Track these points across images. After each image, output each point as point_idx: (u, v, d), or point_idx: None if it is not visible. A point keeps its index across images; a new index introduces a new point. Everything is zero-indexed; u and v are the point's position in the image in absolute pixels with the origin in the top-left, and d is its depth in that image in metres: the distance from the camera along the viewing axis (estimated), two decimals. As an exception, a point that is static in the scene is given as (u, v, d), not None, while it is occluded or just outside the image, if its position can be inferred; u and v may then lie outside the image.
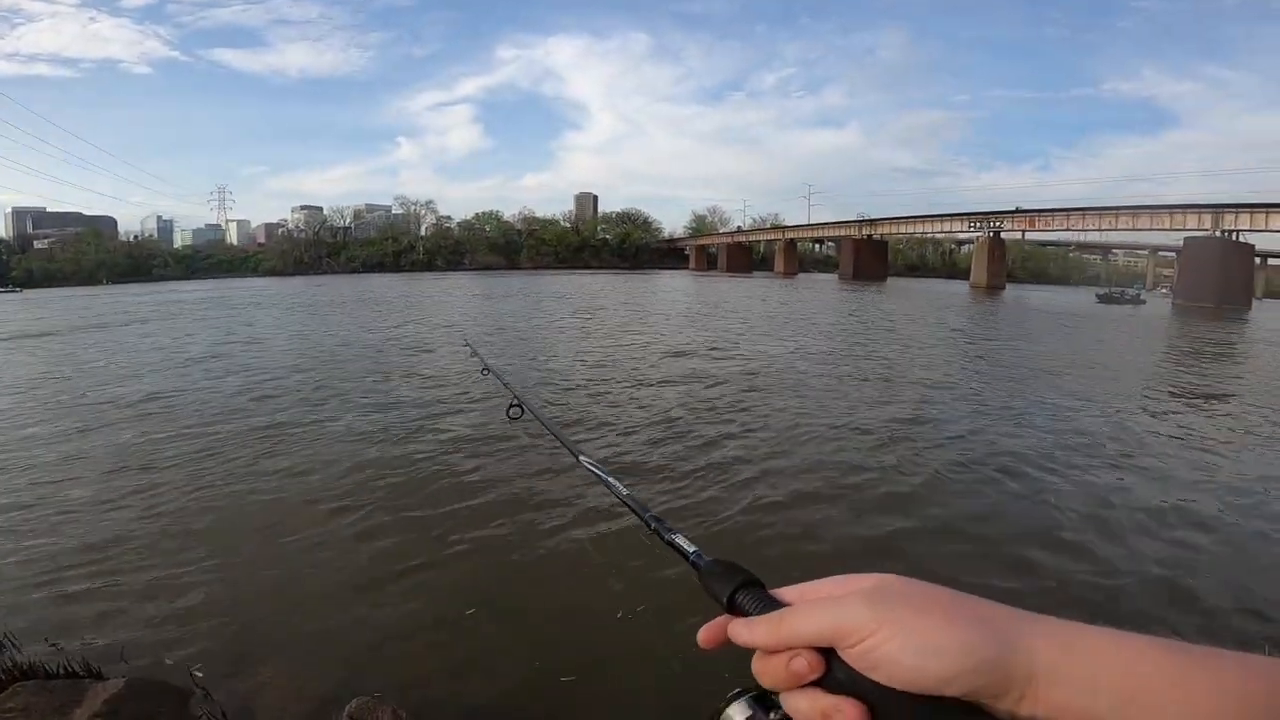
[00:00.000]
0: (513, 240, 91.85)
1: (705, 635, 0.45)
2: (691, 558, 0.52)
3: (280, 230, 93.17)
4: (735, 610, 0.45)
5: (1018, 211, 57.93)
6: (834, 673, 0.40)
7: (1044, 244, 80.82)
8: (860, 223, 72.41)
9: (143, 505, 5.57)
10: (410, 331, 19.31)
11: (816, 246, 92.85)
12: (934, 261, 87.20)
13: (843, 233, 75.20)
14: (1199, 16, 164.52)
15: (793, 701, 0.41)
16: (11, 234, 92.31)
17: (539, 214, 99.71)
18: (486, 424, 8.03)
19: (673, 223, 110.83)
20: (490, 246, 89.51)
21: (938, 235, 74.13)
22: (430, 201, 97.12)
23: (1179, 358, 17.58)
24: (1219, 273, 43.54)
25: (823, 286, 52.51)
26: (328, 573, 4.49)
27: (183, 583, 4.23)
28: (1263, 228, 43.74)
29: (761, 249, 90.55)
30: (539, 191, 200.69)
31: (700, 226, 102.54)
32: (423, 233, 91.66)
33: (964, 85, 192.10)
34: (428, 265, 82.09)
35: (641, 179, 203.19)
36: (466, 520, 5.32)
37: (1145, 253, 78.72)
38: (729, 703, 0.44)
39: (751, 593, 0.46)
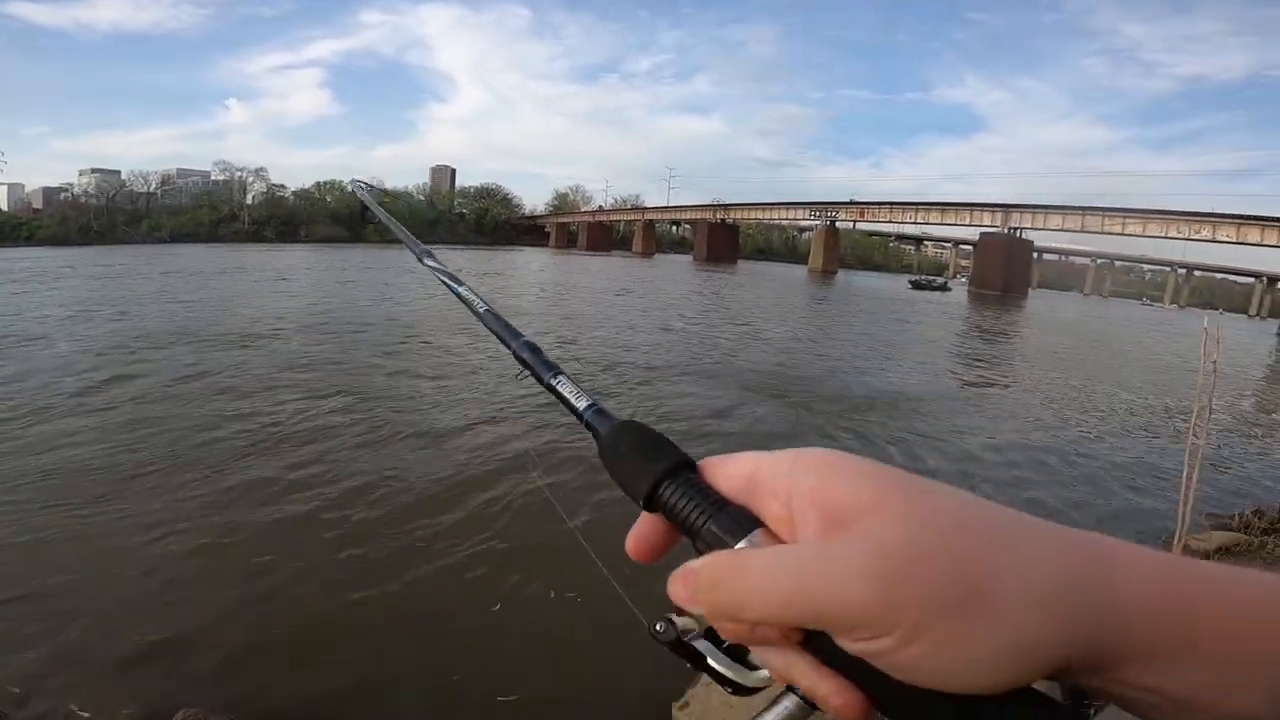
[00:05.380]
0: (358, 212, 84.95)
1: (635, 546, 0.33)
2: (585, 416, 0.37)
3: (63, 195, 78.40)
4: (656, 508, 0.32)
5: (851, 203, 63.67)
6: (819, 644, 0.27)
7: (871, 234, 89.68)
8: (715, 207, 75.62)
9: None
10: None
11: (674, 228, 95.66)
12: (779, 247, 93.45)
13: (699, 216, 78.12)
14: (1022, 30, 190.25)
15: (763, 655, 0.29)
16: None
17: (391, 185, 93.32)
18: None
19: (535, 199, 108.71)
20: (332, 218, 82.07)
21: (783, 222, 79.62)
22: (261, 169, 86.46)
23: (967, 334, 21.01)
24: (1004, 265, 51.19)
25: (680, 266, 54.63)
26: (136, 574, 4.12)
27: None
28: (1042, 226, 51.78)
29: (622, 228, 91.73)
30: (394, 163, 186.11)
31: (562, 204, 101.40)
32: (249, 201, 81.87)
33: (820, 83, 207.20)
34: (255, 236, 73.39)
35: (506, 155, 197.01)
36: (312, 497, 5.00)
37: (949, 246, 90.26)
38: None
39: (684, 485, 0.31)
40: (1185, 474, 4.04)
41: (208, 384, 8.91)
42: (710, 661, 0.30)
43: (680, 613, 0.30)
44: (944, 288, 54.07)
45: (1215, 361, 4.19)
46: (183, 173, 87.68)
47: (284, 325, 14.24)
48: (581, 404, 0.38)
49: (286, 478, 5.82)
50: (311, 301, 19.30)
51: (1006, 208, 52.50)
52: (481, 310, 0.49)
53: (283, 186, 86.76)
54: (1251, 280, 74.23)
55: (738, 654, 0.30)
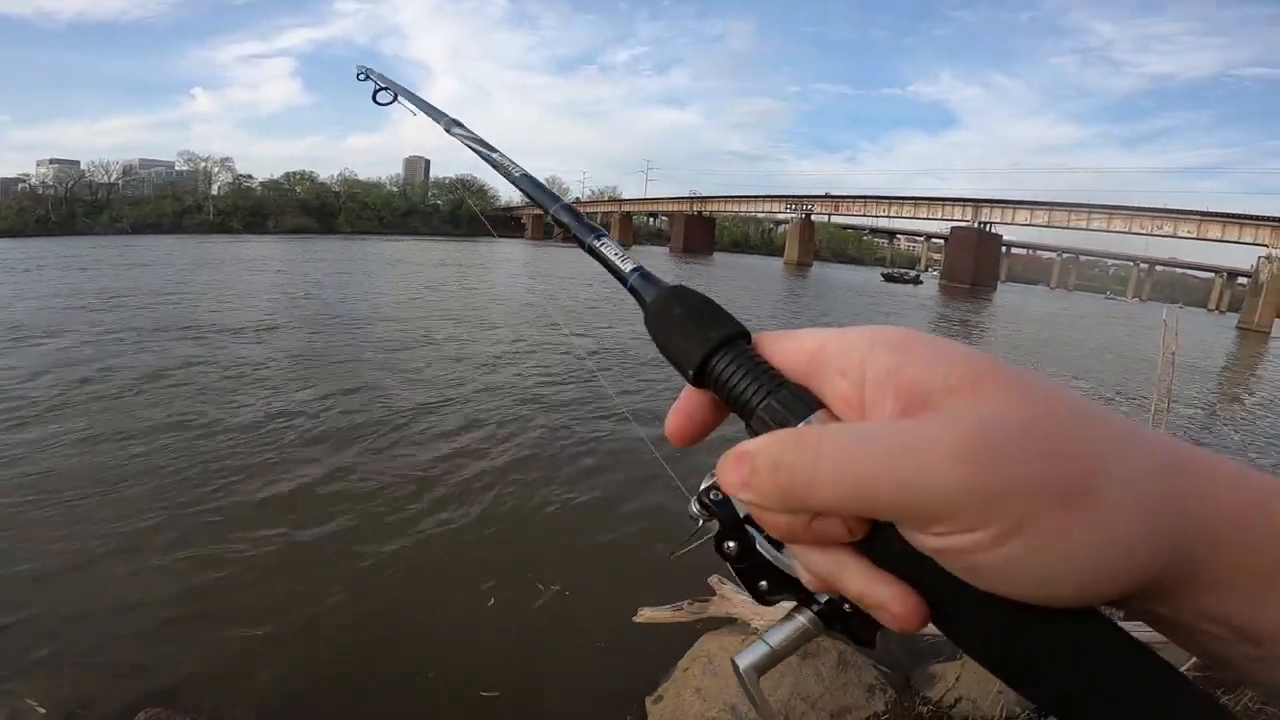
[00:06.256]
0: (329, 203, 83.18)
1: (676, 426, 0.30)
2: (630, 281, 0.34)
3: (20, 186, 75.35)
4: (705, 383, 0.29)
5: (826, 196, 64.09)
6: (881, 543, 0.24)
7: (845, 227, 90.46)
8: (692, 199, 75.67)
9: None
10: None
11: (651, 220, 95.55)
12: (755, 239, 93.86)
13: (675, 208, 78.06)
14: (999, 28, 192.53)
15: (808, 557, 0.26)
16: None
17: (363, 177, 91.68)
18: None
19: (512, 191, 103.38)
20: (302, 208, 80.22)
21: (759, 214, 79.91)
22: (227, 159, 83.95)
23: (941, 327, 21.54)
24: (974, 259, 52.08)
25: (657, 258, 54.62)
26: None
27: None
28: (1010, 221, 52.68)
29: (599, 220, 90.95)
30: (366, 154, 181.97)
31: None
32: (214, 192, 79.56)
33: (795, 78, 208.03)
34: (220, 227, 71.29)
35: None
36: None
37: (921, 239, 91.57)
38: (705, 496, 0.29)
39: (739, 358, 0.28)
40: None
41: (200, 380, 8.67)
42: (759, 548, 0.28)
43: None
44: (916, 280, 54.82)
45: (1174, 353, 4.28)
46: (145, 163, 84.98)
47: (268, 319, 13.88)
48: (627, 267, 0.35)
49: (270, 472, 5.69)
50: (296, 293, 18.88)
51: (977, 203, 53.36)
52: (518, 175, 0.48)
53: (250, 177, 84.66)
54: (1211, 275, 76.66)
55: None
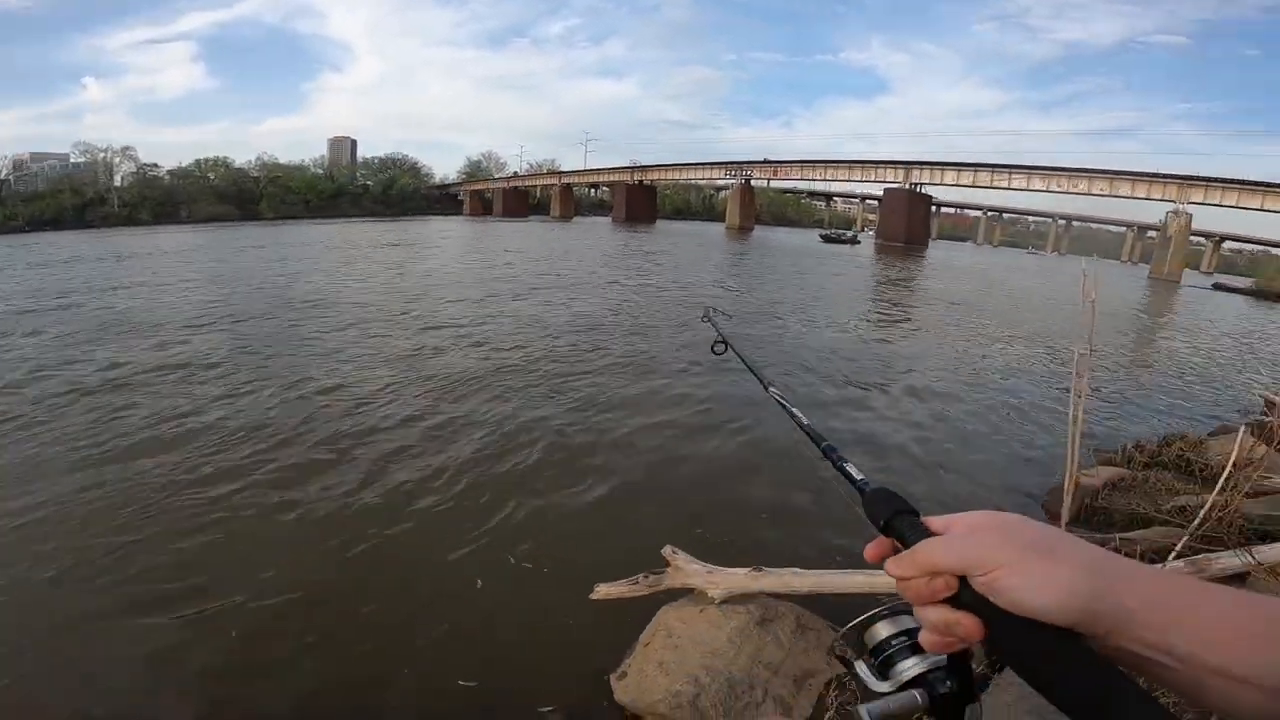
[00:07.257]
0: (247, 189, 78.25)
1: (871, 552, 0.55)
2: (859, 484, 0.60)
3: (-105, 190, 67.62)
4: (889, 533, 0.54)
5: (765, 162, 64.45)
6: (962, 594, 0.48)
7: (784, 191, 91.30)
8: (632, 169, 74.94)
9: None
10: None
11: (592, 191, 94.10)
12: (697, 206, 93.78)
13: (616, 178, 77.22)
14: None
15: (925, 613, 0.50)
16: None
17: (284, 160, 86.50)
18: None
19: (447, 168, 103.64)
20: (218, 196, 75.19)
21: (700, 182, 79.80)
22: (128, 148, 77.16)
23: (878, 284, 22.01)
24: (906, 218, 53.62)
25: (599, 228, 54.12)
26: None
27: None
28: (939, 182, 54.37)
29: (539, 193, 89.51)
30: (286, 136, 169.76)
31: (475, 171, 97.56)
32: (118, 183, 73.56)
33: (732, 46, 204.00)
34: (128, 219, 66.08)
35: (413, 124, 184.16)
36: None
37: (857, 201, 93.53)
38: (875, 619, 0.55)
39: (906, 520, 0.53)
40: (1071, 412, 4.29)
41: (162, 379, 8.03)
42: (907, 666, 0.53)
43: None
44: (854, 240, 56.02)
45: (1094, 301, 4.42)
46: (36, 156, 77.45)
47: (209, 314, 12.95)
48: (858, 476, 0.61)
49: (247, 470, 5.38)
50: (238, 284, 17.70)
51: (908, 165, 54.71)
52: (805, 424, 0.75)
53: (156, 165, 78.43)
54: (1123, 229, 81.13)
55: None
